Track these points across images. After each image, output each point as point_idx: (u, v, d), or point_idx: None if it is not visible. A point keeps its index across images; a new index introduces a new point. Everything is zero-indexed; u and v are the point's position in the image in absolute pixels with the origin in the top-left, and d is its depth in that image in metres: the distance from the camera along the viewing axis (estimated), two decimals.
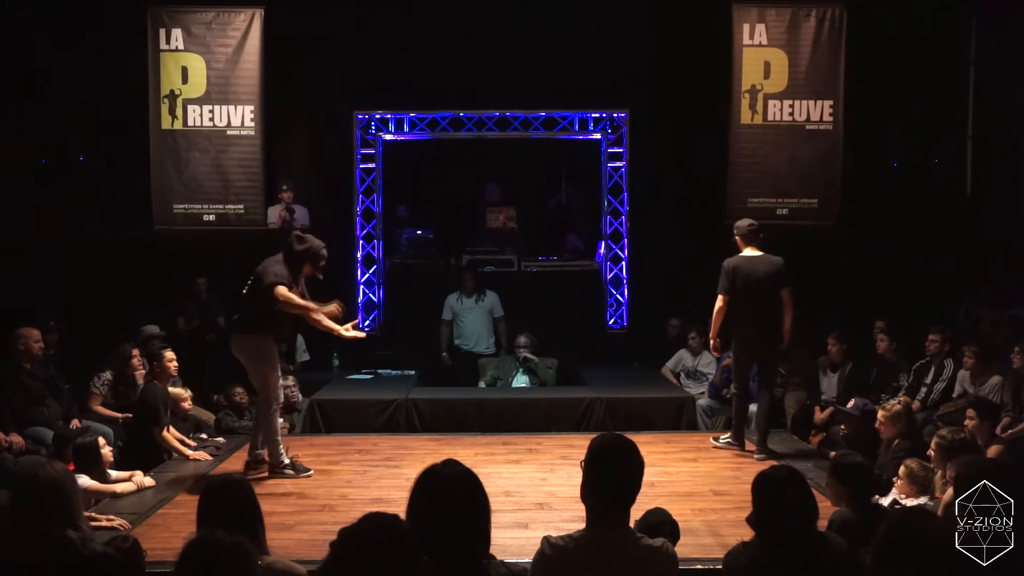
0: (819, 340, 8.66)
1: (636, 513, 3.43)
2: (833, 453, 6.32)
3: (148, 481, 6.06)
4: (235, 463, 6.67)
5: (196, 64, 9.28)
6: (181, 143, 9.33)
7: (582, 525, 3.14)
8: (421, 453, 6.84)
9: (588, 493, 3.14)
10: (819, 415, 8.09)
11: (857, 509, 4.34)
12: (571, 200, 11.67)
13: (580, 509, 3.17)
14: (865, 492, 4.56)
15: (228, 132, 9.32)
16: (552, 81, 10.26)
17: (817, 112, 9.32)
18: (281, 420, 7.94)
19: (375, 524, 2.46)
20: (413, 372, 9.49)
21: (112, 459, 6.06)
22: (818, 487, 4.66)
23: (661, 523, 4.02)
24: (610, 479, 3.10)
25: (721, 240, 7.49)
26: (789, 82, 9.30)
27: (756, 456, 6.87)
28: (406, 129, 10.83)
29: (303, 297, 6.35)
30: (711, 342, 7.42)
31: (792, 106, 9.33)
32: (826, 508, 4.30)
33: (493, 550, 2.93)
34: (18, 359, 7.05)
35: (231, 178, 9.38)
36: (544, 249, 11.04)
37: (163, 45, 9.25)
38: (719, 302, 7.10)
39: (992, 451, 5.68)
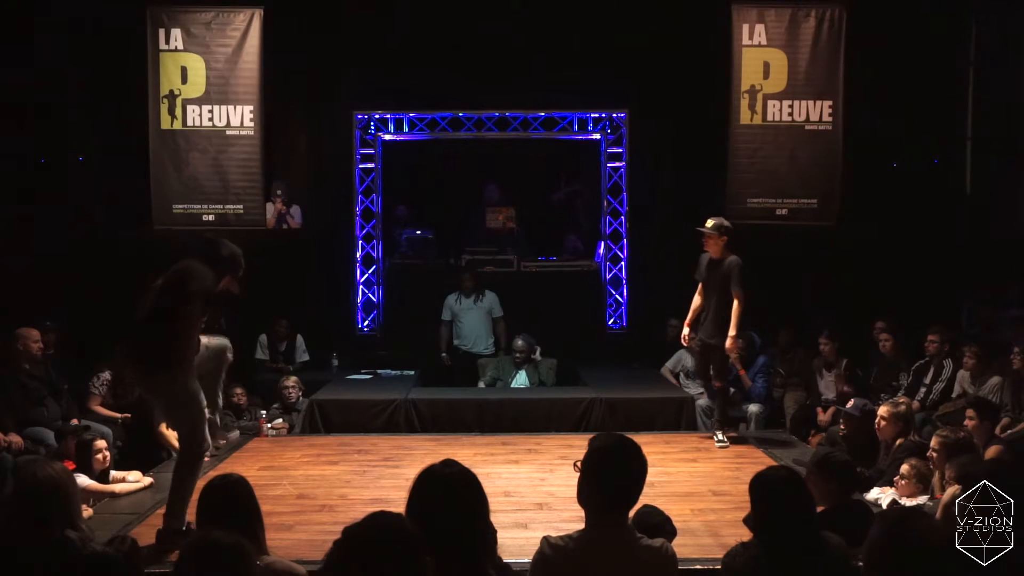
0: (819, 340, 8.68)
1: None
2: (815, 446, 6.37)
3: (146, 480, 6.06)
4: (234, 464, 6.66)
5: (195, 64, 9.28)
6: (181, 143, 9.34)
7: (582, 525, 3.14)
8: (420, 453, 6.84)
9: (589, 493, 3.12)
10: (822, 416, 8.09)
11: (839, 507, 4.35)
12: (576, 194, 11.68)
13: (579, 510, 3.16)
14: (849, 490, 4.58)
15: (227, 132, 9.33)
16: (552, 81, 10.26)
17: (817, 112, 9.33)
18: (280, 420, 7.98)
19: (380, 523, 2.46)
20: (412, 372, 9.49)
21: (108, 464, 6.04)
22: None
23: (661, 523, 4.02)
24: (613, 480, 3.09)
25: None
26: (789, 82, 9.31)
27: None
28: (406, 129, 10.83)
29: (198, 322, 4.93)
30: (733, 341, 7.27)
31: (792, 106, 9.33)
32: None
33: None
34: (17, 359, 7.06)
35: (230, 178, 9.39)
36: (544, 249, 11.05)
37: (163, 45, 9.26)
38: (743, 300, 7.16)
39: (991, 451, 5.67)
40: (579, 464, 3.16)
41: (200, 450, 4.91)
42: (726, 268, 7.22)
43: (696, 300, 7.48)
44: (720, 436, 7.31)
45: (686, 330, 7.53)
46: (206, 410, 4.96)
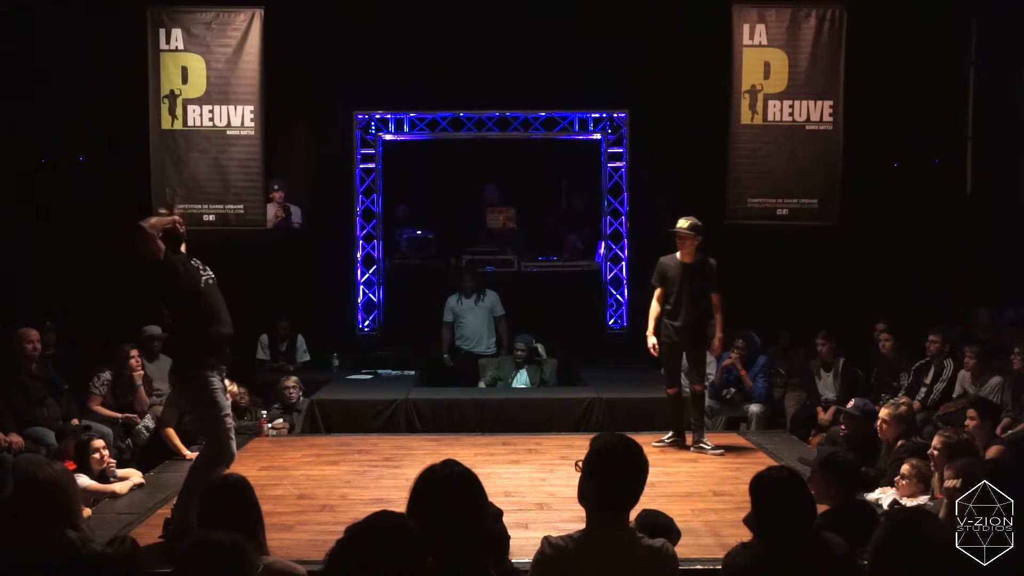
0: None
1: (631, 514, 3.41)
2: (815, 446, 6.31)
3: (137, 478, 6.06)
4: (234, 464, 6.62)
5: (196, 64, 9.28)
6: (181, 143, 9.33)
7: (582, 525, 3.13)
8: (421, 453, 6.84)
9: (590, 493, 3.12)
10: (822, 415, 8.09)
11: (843, 507, 4.35)
12: (573, 201, 11.70)
13: (580, 510, 3.16)
14: (853, 490, 4.58)
15: (228, 132, 9.32)
16: (552, 81, 10.26)
17: (817, 112, 9.32)
18: (280, 420, 7.97)
19: (384, 523, 2.45)
20: (413, 372, 9.50)
21: (107, 464, 6.02)
22: None
23: (667, 524, 4.01)
24: (614, 480, 3.09)
25: (721, 240, 7.48)
26: (789, 82, 9.30)
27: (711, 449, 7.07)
28: (406, 129, 10.83)
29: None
30: (721, 342, 7.35)
31: (792, 106, 9.33)
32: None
33: None
34: (17, 359, 7.05)
35: (231, 178, 9.39)
36: (544, 249, 11.04)
37: (163, 45, 9.25)
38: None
39: (992, 451, 5.68)
40: (580, 464, 3.16)
41: (220, 457, 4.96)
42: (709, 270, 7.06)
43: (655, 307, 7.24)
44: (710, 444, 7.16)
45: (653, 339, 7.25)
46: (228, 418, 5.06)
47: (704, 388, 7.44)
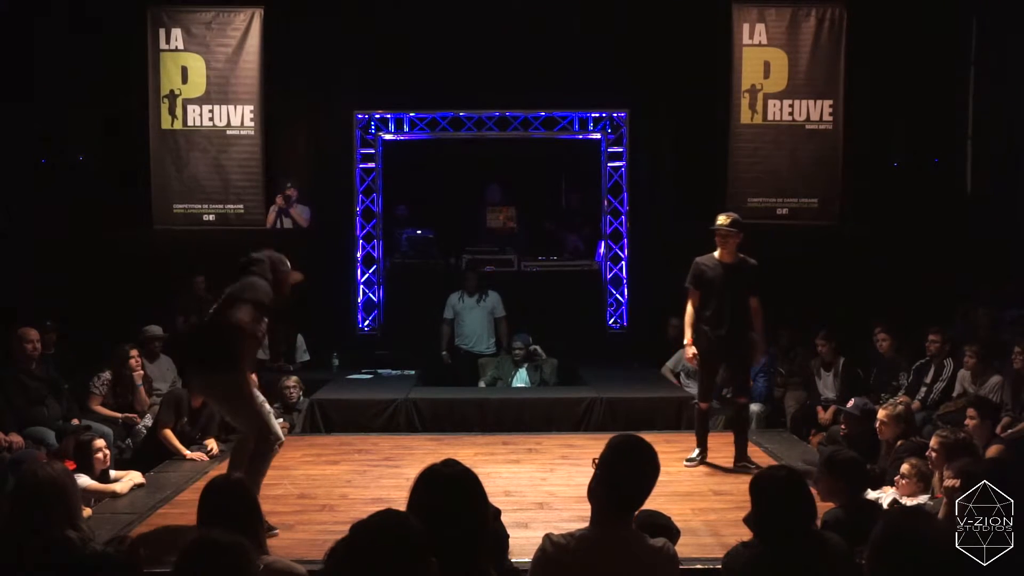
0: None
1: None
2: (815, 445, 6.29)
3: (137, 478, 6.06)
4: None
5: (196, 64, 9.29)
6: (181, 143, 9.35)
7: (582, 524, 3.14)
8: (421, 453, 6.84)
9: (600, 490, 3.13)
10: (823, 415, 8.09)
11: (851, 505, 4.35)
12: (569, 200, 11.71)
13: (580, 509, 3.17)
14: (859, 487, 4.58)
15: (228, 132, 9.35)
16: (552, 81, 10.26)
17: (817, 112, 9.33)
18: (281, 420, 7.96)
19: (389, 521, 2.45)
20: (413, 372, 9.49)
21: (108, 463, 6.04)
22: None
23: (667, 523, 4.01)
24: (626, 479, 3.11)
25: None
26: (789, 82, 9.32)
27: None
28: (406, 129, 10.82)
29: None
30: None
31: (792, 106, 9.34)
32: (821, 507, 4.30)
33: None
34: (17, 359, 7.06)
35: (231, 178, 9.40)
36: (544, 249, 11.05)
37: (163, 45, 9.28)
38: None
39: (992, 451, 5.68)
40: (597, 460, 3.17)
41: (270, 442, 5.17)
42: (750, 271, 6.48)
43: (691, 312, 6.53)
44: (754, 464, 6.52)
45: (693, 349, 6.52)
46: (265, 404, 5.27)
47: (747, 399, 6.81)
